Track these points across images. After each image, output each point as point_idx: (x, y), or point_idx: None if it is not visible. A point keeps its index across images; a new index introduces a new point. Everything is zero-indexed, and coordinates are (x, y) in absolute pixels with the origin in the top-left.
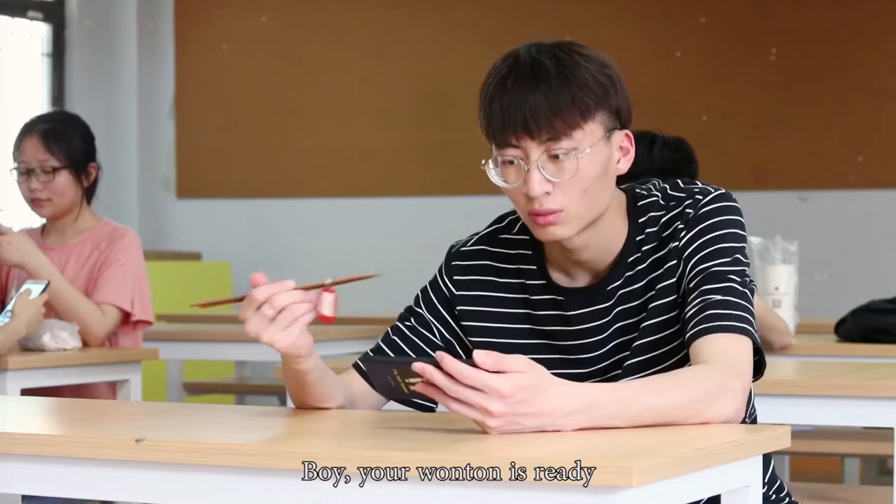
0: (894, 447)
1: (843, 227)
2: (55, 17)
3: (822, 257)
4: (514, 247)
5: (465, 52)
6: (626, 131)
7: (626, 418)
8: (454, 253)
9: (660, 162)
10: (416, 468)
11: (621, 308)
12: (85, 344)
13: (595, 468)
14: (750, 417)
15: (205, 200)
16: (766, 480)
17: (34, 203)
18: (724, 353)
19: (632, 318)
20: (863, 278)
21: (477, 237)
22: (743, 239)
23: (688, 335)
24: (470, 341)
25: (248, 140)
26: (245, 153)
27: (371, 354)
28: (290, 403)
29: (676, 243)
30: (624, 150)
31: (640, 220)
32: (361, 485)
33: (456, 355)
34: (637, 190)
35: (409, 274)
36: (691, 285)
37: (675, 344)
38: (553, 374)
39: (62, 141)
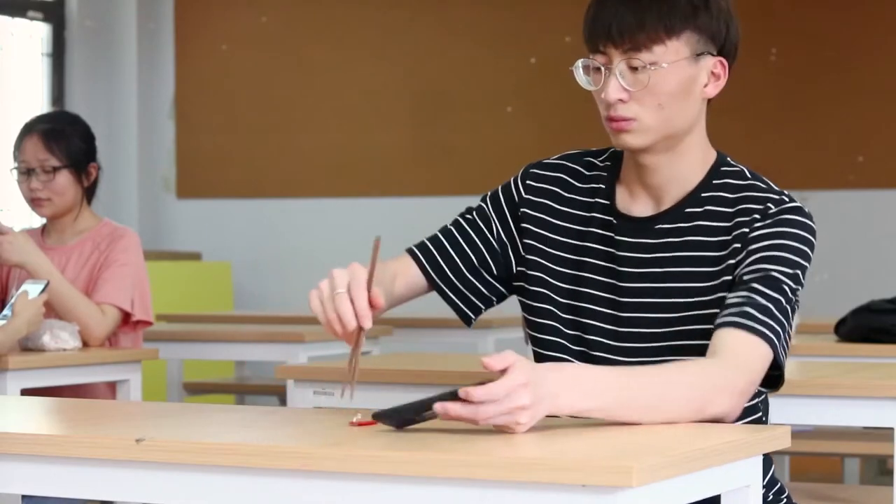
0: (894, 447)
1: (843, 227)
2: (55, 17)
3: (822, 257)
4: (593, 168)
5: (465, 52)
6: (721, 59)
7: (616, 400)
8: (535, 163)
9: None
10: (417, 468)
11: (663, 254)
12: (85, 344)
13: (595, 468)
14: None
15: (205, 200)
16: (765, 483)
17: (34, 203)
18: (739, 350)
19: (671, 268)
20: (863, 278)
21: (561, 155)
22: (808, 260)
23: (718, 319)
24: (524, 243)
25: (248, 140)
26: (245, 153)
27: (427, 243)
28: (290, 403)
29: (747, 229)
30: (715, 75)
31: (714, 182)
32: (361, 485)
33: (506, 260)
34: (728, 158)
35: None
36: (745, 277)
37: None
38: (590, 294)
39: (62, 141)
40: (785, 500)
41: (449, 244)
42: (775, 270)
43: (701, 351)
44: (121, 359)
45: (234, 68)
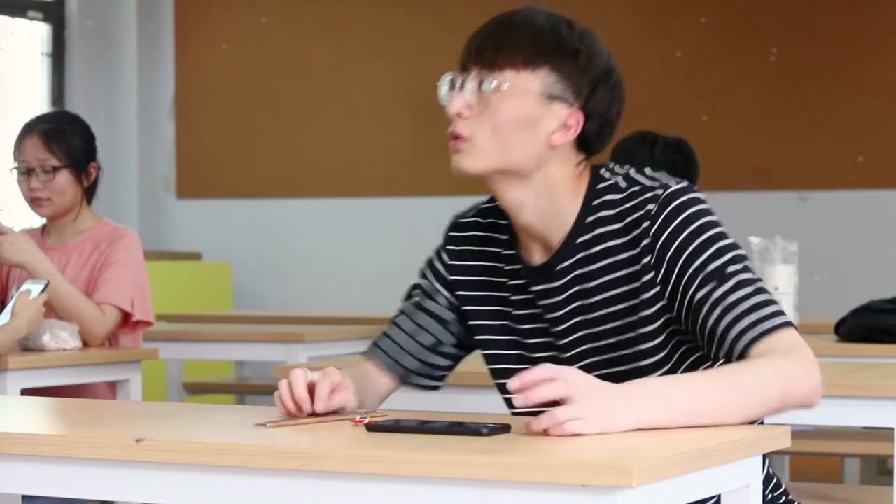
0: (894, 447)
1: (843, 227)
2: (55, 17)
3: (822, 257)
4: (505, 217)
5: None
6: (579, 113)
7: (678, 410)
8: (452, 224)
9: (661, 163)
10: (417, 468)
11: (578, 289)
12: (85, 344)
13: (595, 468)
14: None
15: (205, 200)
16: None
17: (34, 203)
18: (777, 348)
19: (589, 299)
20: (863, 278)
21: (476, 209)
22: (723, 226)
23: (730, 347)
24: (463, 310)
25: (248, 140)
26: (245, 153)
27: (386, 337)
28: None
29: (647, 240)
30: (567, 126)
31: (594, 203)
32: (361, 485)
33: (461, 324)
34: (600, 172)
35: (409, 274)
36: (700, 296)
37: (639, 332)
38: (531, 344)
39: (62, 140)
40: (783, 497)
41: (401, 341)
42: (720, 267)
43: (652, 369)
44: (121, 359)
45: (234, 68)
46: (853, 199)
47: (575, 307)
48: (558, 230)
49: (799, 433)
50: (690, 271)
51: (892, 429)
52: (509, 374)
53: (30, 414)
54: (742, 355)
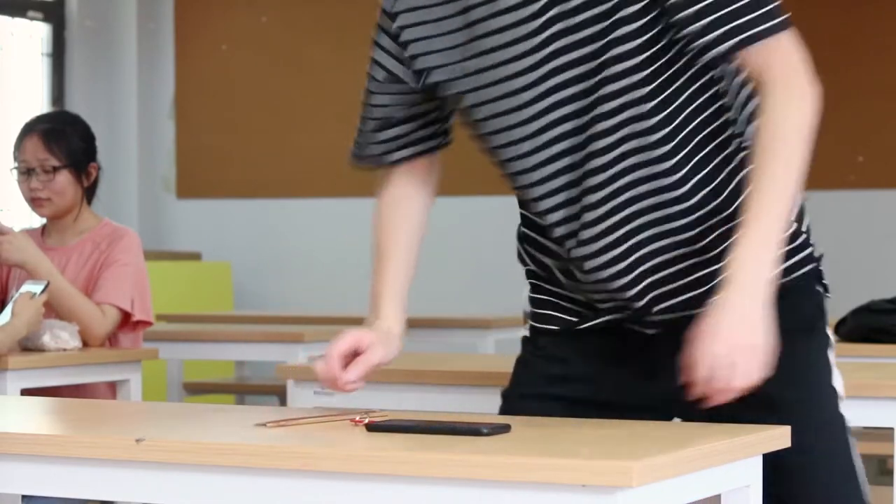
0: (894, 447)
1: (843, 227)
2: (55, 17)
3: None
4: None
5: None
6: None
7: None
8: None
9: None
10: (417, 468)
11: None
12: (85, 344)
13: (595, 468)
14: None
15: (205, 200)
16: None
17: (34, 203)
18: (775, 62)
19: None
20: (863, 278)
21: None
22: None
23: (719, 48)
24: (404, 42)
25: (248, 140)
26: (245, 153)
27: (362, 130)
28: (290, 403)
29: None
30: None
31: None
32: (361, 485)
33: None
34: None
35: None
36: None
37: (657, 64)
38: (484, 71)
39: (62, 140)
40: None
41: (370, 103)
42: None
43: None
44: (121, 359)
45: (234, 68)
46: (853, 199)
47: (552, 15)
48: None
49: None
50: None
51: (892, 429)
52: (476, 101)
53: (30, 414)
54: (721, 59)
